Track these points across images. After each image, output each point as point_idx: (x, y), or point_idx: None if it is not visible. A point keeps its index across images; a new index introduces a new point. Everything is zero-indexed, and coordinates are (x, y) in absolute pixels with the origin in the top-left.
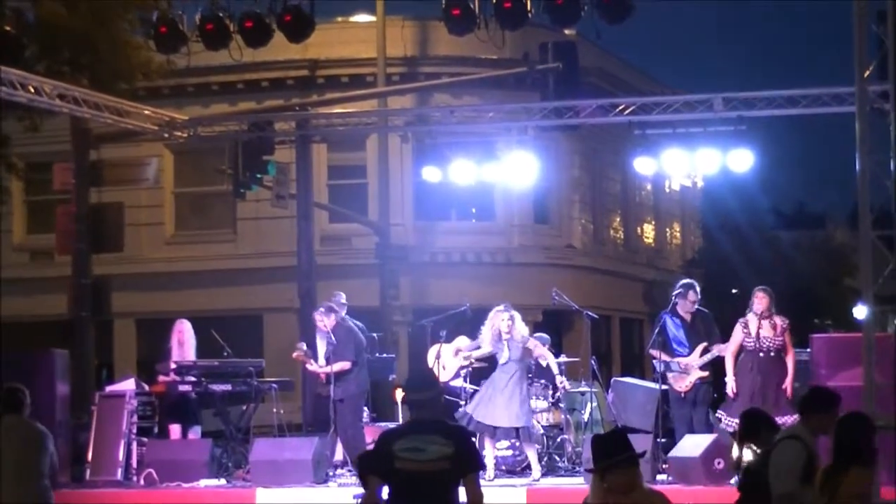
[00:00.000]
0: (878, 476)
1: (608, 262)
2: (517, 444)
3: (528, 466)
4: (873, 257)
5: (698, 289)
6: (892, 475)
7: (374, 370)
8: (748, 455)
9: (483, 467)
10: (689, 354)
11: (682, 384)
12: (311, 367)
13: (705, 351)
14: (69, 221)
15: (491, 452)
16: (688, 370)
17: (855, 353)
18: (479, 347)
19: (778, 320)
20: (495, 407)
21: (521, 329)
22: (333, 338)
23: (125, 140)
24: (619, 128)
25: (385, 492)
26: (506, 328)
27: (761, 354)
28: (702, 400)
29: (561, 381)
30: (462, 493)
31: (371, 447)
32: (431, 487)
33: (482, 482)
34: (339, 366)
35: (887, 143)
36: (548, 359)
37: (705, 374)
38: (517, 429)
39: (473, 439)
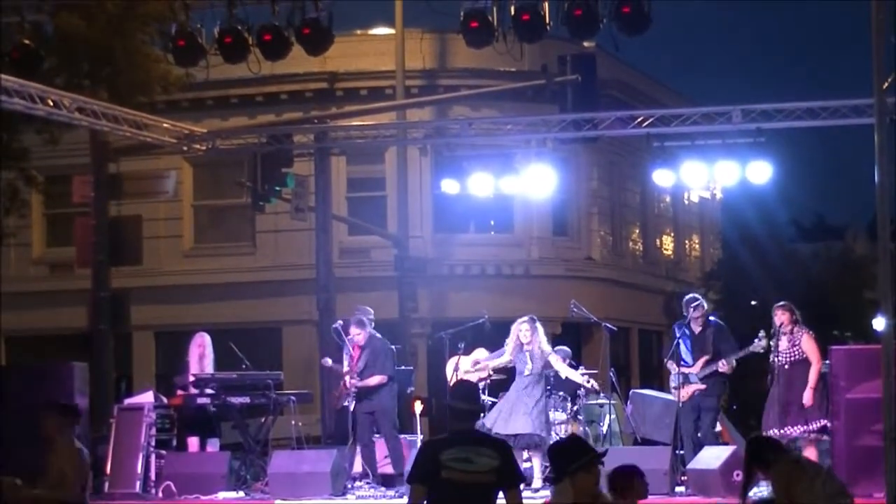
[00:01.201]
0: None
1: (627, 275)
2: (526, 454)
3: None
4: (892, 268)
5: (701, 303)
6: None
7: None
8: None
9: (524, 480)
10: (691, 366)
11: (682, 394)
12: (351, 381)
13: (706, 364)
14: (88, 234)
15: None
16: (688, 379)
17: (874, 365)
18: (502, 356)
19: (797, 332)
20: (516, 417)
21: (543, 341)
22: (366, 351)
23: (144, 153)
24: (637, 140)
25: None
26: (526, 338)
27: (780, 368)
28: (707, 408)
29: (588, 381)
30: None
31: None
32: (476, 497)
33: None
34: (376, 379)
35: None
36: (567, 373)
37: (701, 386)
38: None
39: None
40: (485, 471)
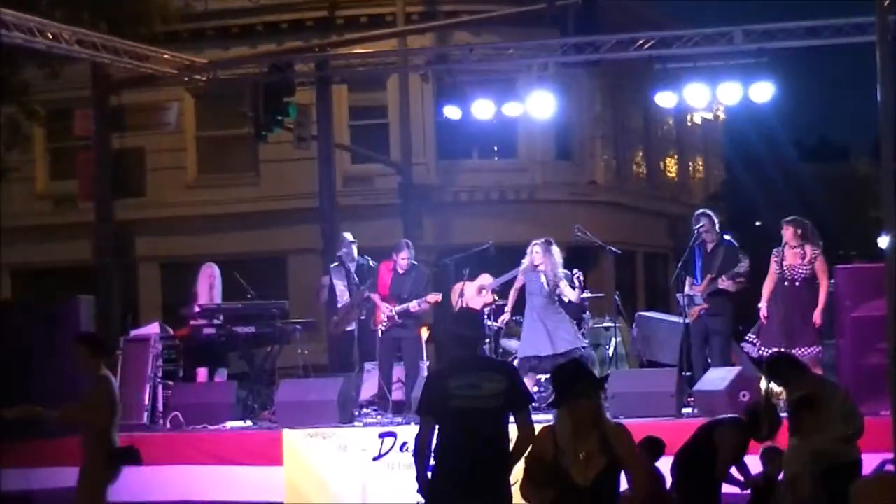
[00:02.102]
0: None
1: (631, 198)
2: (543, 379)
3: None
4: (895, 187)
5: (706, 218)
6: None
7: None
8: (775, 387)
9: (534, 400)
10: (699, 286)
11: (690, 314)
12: (413, 309)
13: (710, 283)
14: (91, 168)
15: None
16: (693, 301)
17: (879, 284)
18: (512, 278)
19: (808, 249)
20: (539, 338)
21: (557, 264)
22: (410, 276)
23: (145, 85)
24: (639, 63)
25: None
26: (538, 260)
27: (786, 284)
28: (715, 330)
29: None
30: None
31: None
32: (485, 422)
33: None
34: (433, 297)
35: None
36: (566, 292)
37: (704, 305)
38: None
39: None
40: (493, 394)
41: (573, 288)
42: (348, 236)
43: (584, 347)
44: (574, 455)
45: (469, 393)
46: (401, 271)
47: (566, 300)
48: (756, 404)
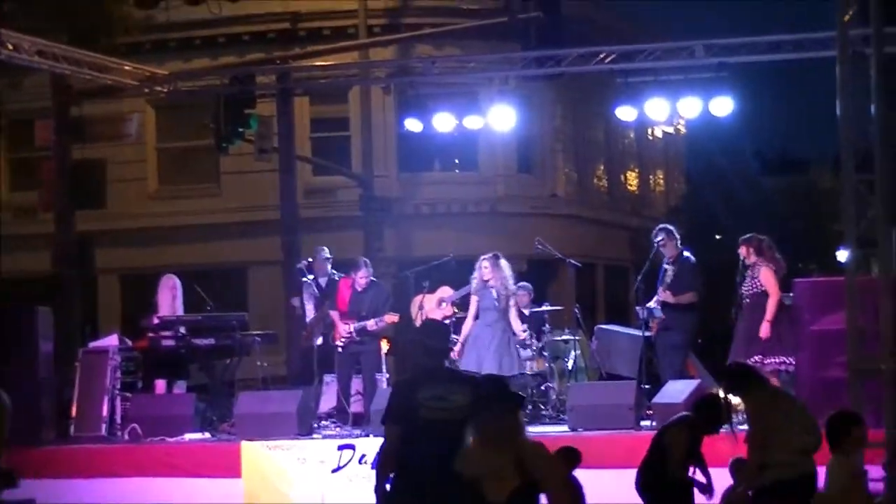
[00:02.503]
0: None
1: (592, 211)
2: None
3: None
4: (856, 201)
5: (664, 234)
6: (876, 418)
7: None
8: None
9: None
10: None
11: (652, 327)
12: (347, 323)
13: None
14: (54, 178)
15: None
16: (652, 314)
17: (838, 297)
18: (468, 293)
19: (759, 265)
20: (482, 361)
21: (506, 278)
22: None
23: (107, 96)
24: (601, 76)
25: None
26: (487, 275)
27: (745, 301)
28: (664, 343)
29: (522, 328)
30: None
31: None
32: (452, 434)
33: None
34: (390, 318)
35: (869, 87)
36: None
37: (660, 317)
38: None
39: None
40: (459, 407)
41: (521, 321)
42: (325, 251)
43: (519, 374)
44: (488, 474)
45: (437, 405)
46: (359, 289)
47: (527, 313)
48: (702, 399)
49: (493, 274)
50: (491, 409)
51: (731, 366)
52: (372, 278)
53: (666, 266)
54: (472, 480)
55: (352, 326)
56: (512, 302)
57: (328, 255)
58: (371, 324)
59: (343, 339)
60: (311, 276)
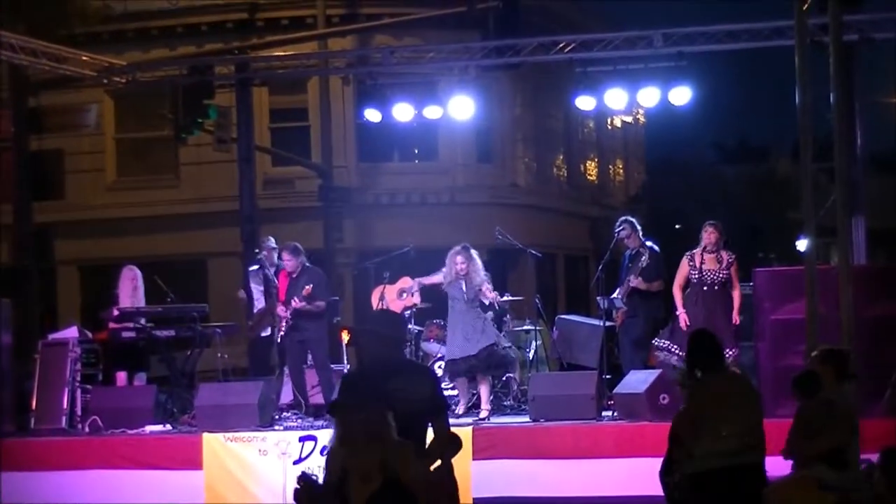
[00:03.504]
0: None
1: (552, 200)
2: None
3: (477, 405)
4: (814, 189)
5: (624, 225)
6: None
7: None
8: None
9: (449, 406)
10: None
11: (616, 318)
12: (286, 308)
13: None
14: (11, 169)
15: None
16: (613, 304)
17: (798, 286)
18: (439, 283)
19: (724, 254)
20: (455, 341)
21: (479, 266)
22: (303, 278)
23: (64, 87)
24: (560, 66)
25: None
26: (462, 269)
27: (705, 288)
28: (634, 333)
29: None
30: None
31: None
32: (413, 426)
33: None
34: (306, 290)
35: (827, 76)
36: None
37: (622, 307)
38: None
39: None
40: (420, 398)
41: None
42: (271, 241)
43: (506, 346)
44: (353, 474)
45: (404, 396)
46: (294, 275)
47: (487, 302)
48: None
49: (470, 266)
50: (362, 407)
51: (700, 330)
52: (306, 264)
53: (633, 253)
54: (336, 481)
55: (288, 312)
56: (484, 287)
57: (275, 245)
58: (295, 302)
59: (282, 328)
60: (256, 266)
